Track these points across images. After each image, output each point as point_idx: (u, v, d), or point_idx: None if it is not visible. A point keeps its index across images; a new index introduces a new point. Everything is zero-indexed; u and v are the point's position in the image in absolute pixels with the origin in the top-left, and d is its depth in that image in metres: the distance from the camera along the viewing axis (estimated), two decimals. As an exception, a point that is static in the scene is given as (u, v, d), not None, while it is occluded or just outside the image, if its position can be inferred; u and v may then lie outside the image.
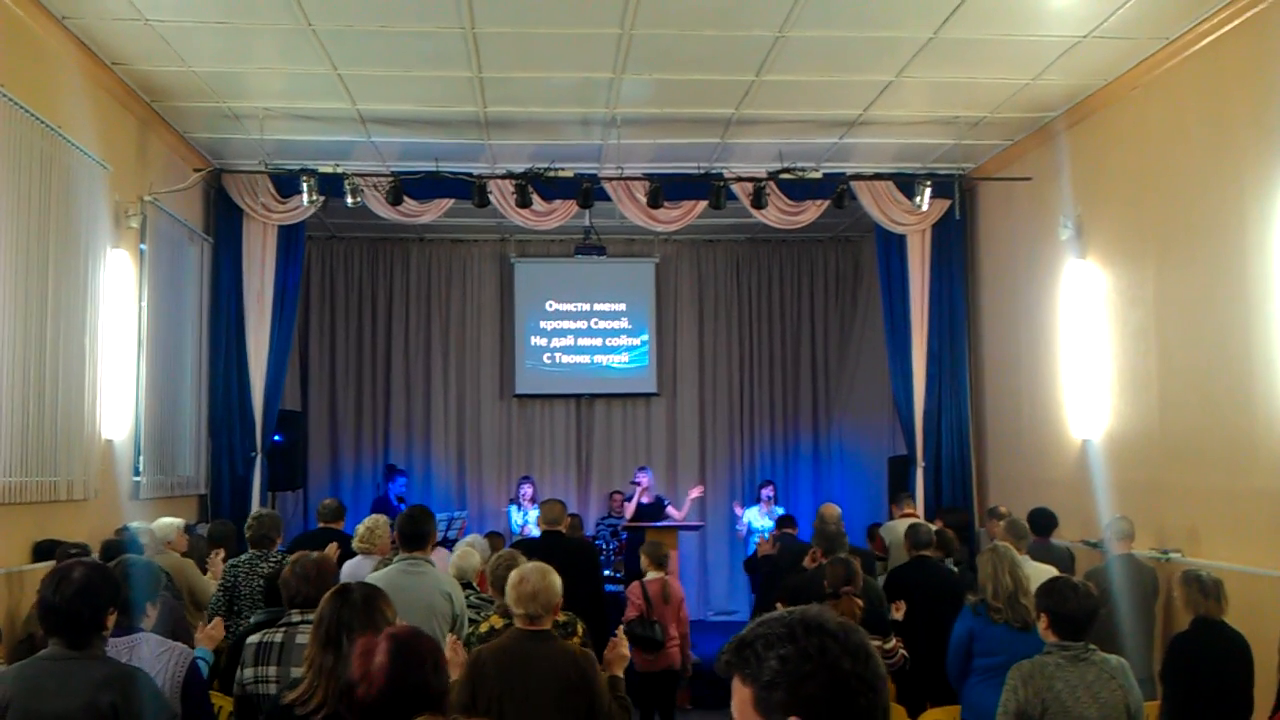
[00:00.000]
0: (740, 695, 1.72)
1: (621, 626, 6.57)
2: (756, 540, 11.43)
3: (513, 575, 4.22)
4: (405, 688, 2.38)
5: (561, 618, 4.80)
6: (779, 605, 6.77)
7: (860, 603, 6.00)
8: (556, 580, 4.19)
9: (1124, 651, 5.95)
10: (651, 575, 7.62)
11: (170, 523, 7.23)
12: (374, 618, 3.26)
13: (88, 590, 3.36)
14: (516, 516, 11.55)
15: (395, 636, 2.48)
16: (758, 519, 11.68)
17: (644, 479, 11.71)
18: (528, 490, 11.76)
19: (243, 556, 6.57)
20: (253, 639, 4.07)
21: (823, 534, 7.10)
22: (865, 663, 1.70)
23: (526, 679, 3.94)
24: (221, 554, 7.26)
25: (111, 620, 3.50)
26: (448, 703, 2.47)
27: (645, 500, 11.56)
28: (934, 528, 7.51)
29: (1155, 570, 7.10)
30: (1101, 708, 3.97)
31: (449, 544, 8.92)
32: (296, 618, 4.07)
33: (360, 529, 6.86)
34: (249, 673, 3.96)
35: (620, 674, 4.32)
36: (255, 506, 10.04)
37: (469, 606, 5.68)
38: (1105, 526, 7.37)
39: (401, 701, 2.37)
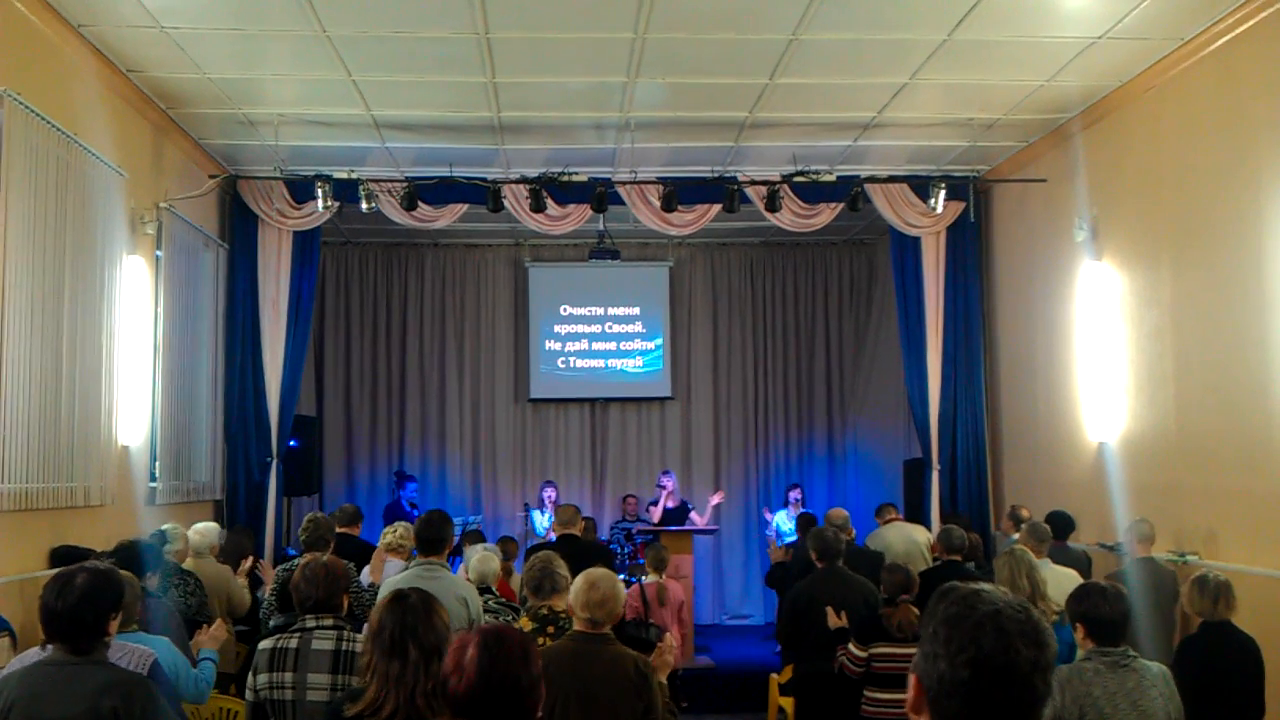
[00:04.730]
0: None
1: (653, 630, 6.61)
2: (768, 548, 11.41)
3: (583, 580, 4.16)
4: (495, 679, 2.51)
5: None
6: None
7: (916, 610, 5.86)
8: (623, 590, 4.20)
9: (1142, 655, 5.92)
10: (650, 578, 7.71)
11: (212, 528, 7.25)
12: (434, 621, 3.23)
13: (91, 596, 3.36)
14: (540, 520, 11.54)
15: (484, 630, 2.63)
16: (785, 522, 11.58)
17: (669, 483, 11.62)
18: (551, 494, 11.77)
19: (296, 560, 6.58)
20: (265, 644, 4.03)
21: (819, 538, 6.79)
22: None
23: (589, 681, 3.94)
24: (252, 560, 7.36)
25: (114, 625, 3.50)
26: (541, 693, 2.57)
27: (670, 504, 11.49)
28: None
29: (1175, 573, 7.04)
30: (1141, 716, 3.88)
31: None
32: (311, 623, 4.03)
33: (400, 529, 6.92)
34: (263, 678, 3.93)
35: (665, 680, 4.30)
36: (271, 512, 10.11)
37: (488, 611, 5.69)
38: (1125, 529, 7.29)
39: (494, 693, 2.51)
